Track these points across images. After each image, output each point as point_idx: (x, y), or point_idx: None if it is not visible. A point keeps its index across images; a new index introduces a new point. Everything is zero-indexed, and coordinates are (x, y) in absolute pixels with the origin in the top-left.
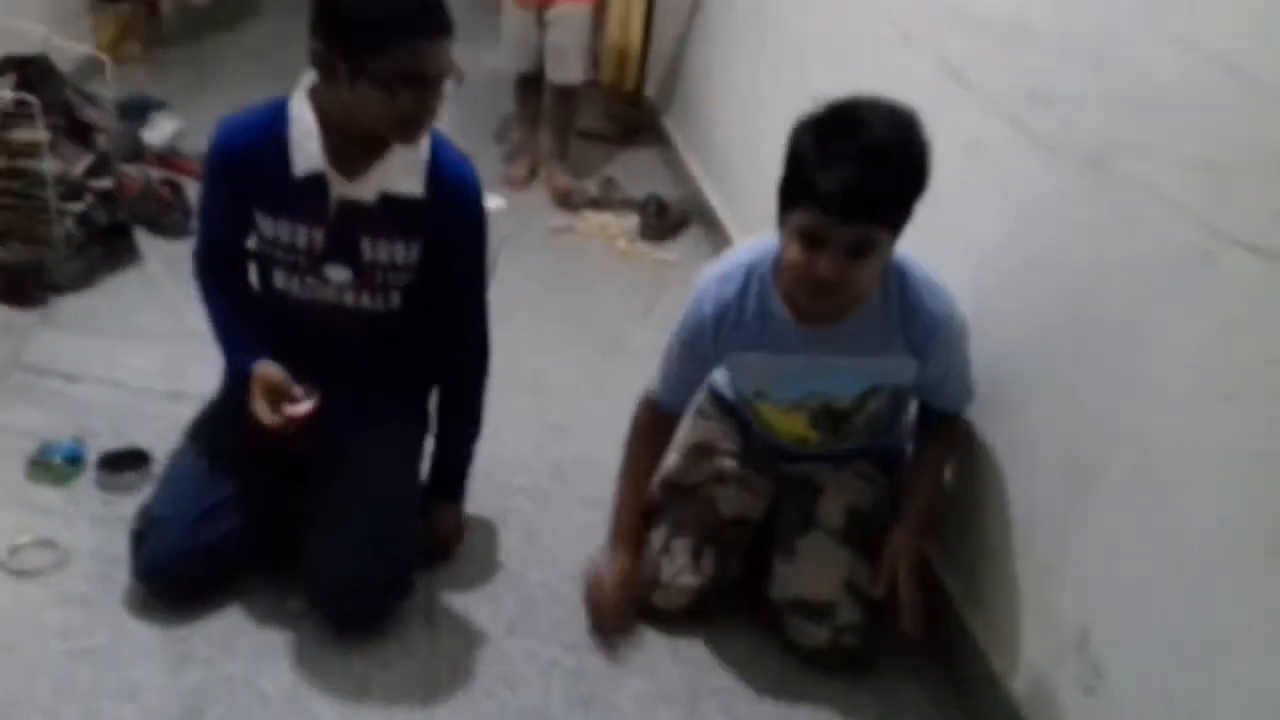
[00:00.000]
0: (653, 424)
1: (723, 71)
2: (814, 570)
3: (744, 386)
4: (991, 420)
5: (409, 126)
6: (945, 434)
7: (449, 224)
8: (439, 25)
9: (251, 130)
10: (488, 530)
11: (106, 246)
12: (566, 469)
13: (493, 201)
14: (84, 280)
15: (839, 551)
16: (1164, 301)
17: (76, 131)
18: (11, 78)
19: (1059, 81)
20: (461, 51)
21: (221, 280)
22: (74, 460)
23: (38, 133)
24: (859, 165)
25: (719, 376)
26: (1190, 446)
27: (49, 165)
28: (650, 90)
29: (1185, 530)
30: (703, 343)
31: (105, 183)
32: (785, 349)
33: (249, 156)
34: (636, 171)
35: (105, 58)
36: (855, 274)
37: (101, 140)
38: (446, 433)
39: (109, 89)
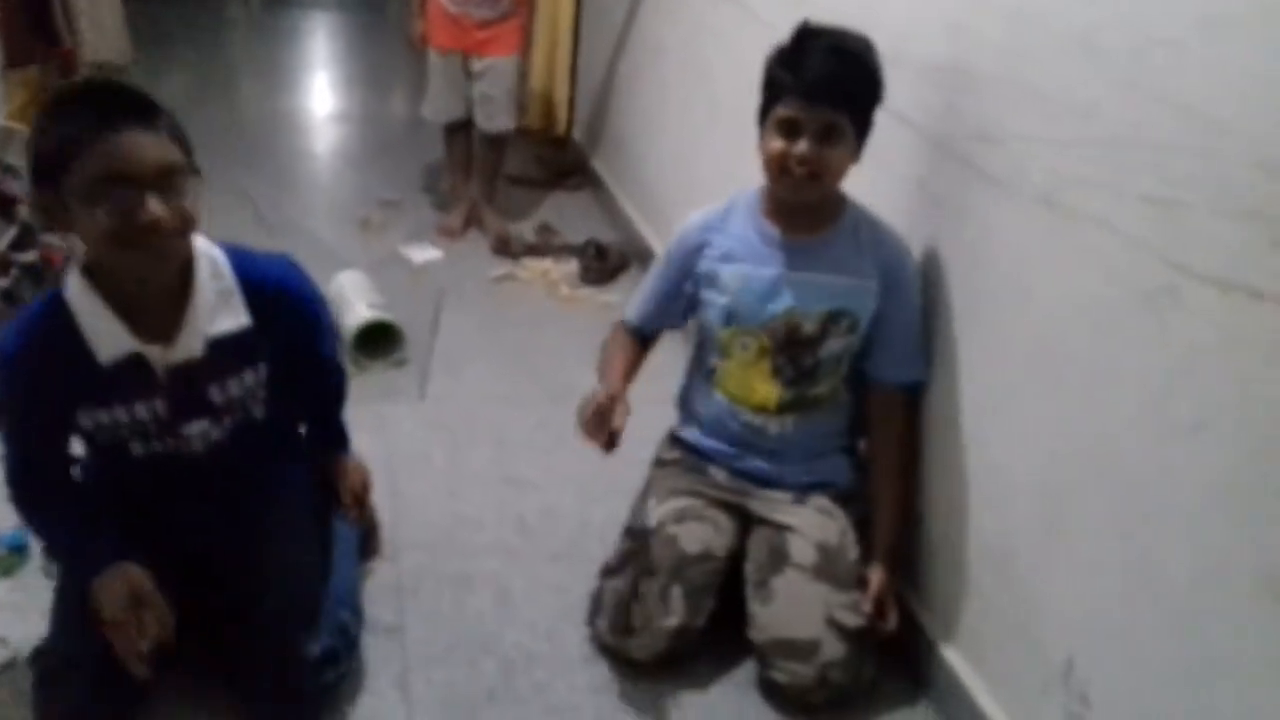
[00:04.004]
0: (623, 340)
1: (655, 113)
2: (793, 609)
3: (715, 315)
4: (963, 452)
5: (132, 239)
6: (897, 433)
7: (287, 326)
8: (122, 116)
9: (34, 334)
10: (457, 592)
11: None
12: (531, 524)
13: (427, 253)
14: None
15: (815, 587)
16: (1128, 334)
17: None
18: None
19: (1006, 123)
20: (380, 101)
21: (47, 494)
22: (18, 549)
23: None
24: (825, 58)
25: (677, 420)
26: (1164, 477)
27: None
28: (578, 133)
29: (1166, 560)
30: (686, 254)
31: (30, 256)
32: (763, 261)
33: (43, 363)
34: (571, 215)
35: (19, 126)
36: (827, 156)
37: (23, 212)
38: (316, 403)
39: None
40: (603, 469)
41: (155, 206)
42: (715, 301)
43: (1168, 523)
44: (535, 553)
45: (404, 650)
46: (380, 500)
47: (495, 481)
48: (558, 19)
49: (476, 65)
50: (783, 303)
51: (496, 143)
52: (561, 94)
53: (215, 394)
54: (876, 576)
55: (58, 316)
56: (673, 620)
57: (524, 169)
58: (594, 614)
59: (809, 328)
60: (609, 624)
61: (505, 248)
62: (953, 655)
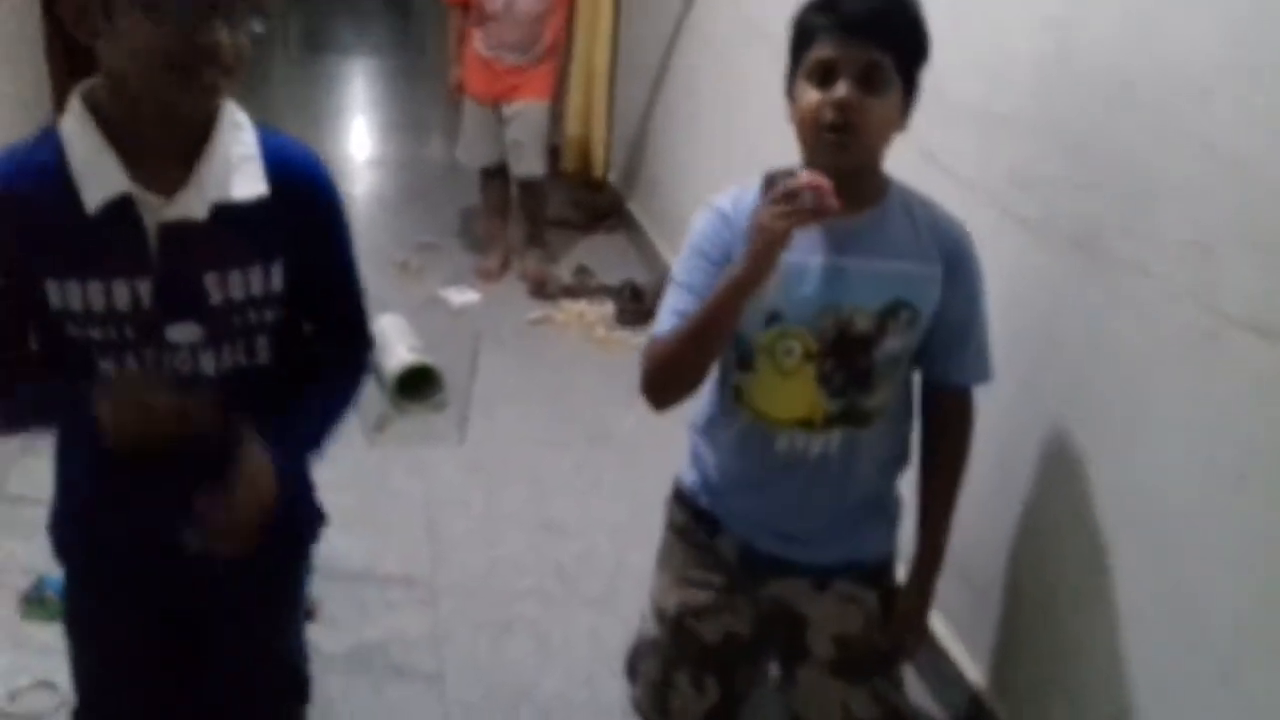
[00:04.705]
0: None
1: (690, 155)
2: (812, 701)
3: (752, 315)
4: (1001, 502)
5: (184, 62)
6: (962, 446)
7: (307, 224)
8: None
9: (14, 166)
10: (496, 638)
11: None
12: (568, 569)
13: (465, 296)
14: None
15: (833, 684)
16: (1166, 380)
17: None
18: None
19: (1038, 167)
20: (417, 145)
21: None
22: None
23: None
24: None
25: (687, 473)
26: (1207, 526)
27: None
28: (613, 176)
29: (1210, 610)
30: (730, 238)
31: None
32: (806, 248)
33: (17, 202)
34: (607, 258)
35: None
36: (869, 104)
37: None
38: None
39: None
40: (639, 512)
41: (221, 30)
42: (754, 308)
43: (1212, 573)
44: (573, 598)
45: (443, 698)
46: (419, 545)
47: (533, 525)
48: (593, 63)
49: (507, 111)
50: (834, 296)
51: (530, 188)
52: (598, 137)
53: (213, 285)
54: (911, 636)
55: (47, 152)
56: (709, 701)
57: (560, 212)
58: (631, 677)
59: (863, 324)
60: (647, 704)
61: (542, 290)
62: (998, 707)
